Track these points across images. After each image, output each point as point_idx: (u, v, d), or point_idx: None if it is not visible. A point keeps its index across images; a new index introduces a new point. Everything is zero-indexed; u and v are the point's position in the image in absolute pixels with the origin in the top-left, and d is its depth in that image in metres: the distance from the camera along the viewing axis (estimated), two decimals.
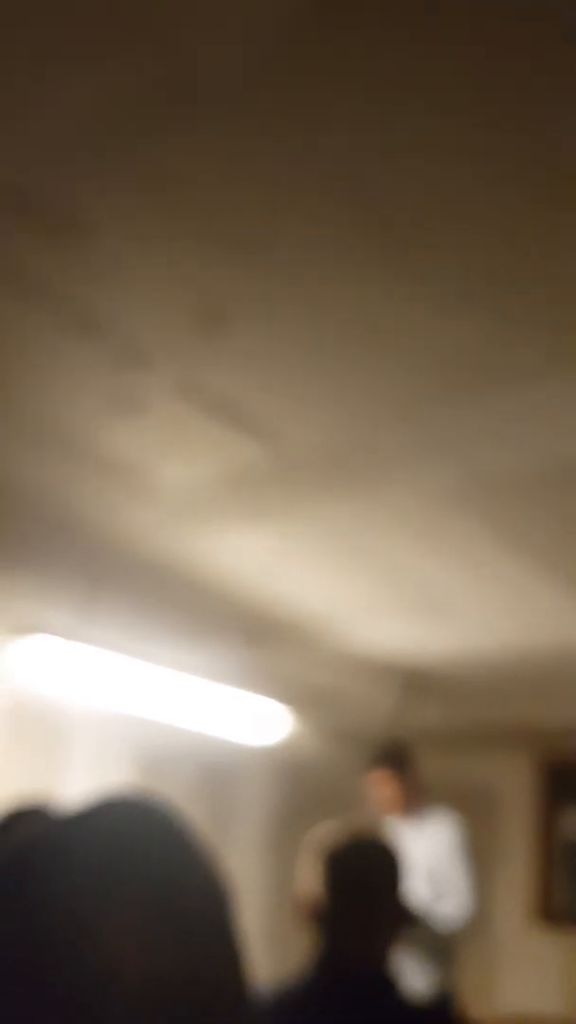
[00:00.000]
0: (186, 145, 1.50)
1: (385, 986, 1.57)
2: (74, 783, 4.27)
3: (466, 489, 2.61)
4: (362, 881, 1.60)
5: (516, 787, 5.63)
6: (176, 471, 2.60)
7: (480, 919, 4.05)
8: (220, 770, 5.06)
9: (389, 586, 3.45)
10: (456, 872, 3.86)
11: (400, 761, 3.98)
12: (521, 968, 5.31)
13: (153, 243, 1.70)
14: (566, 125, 1.42)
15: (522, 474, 2.49)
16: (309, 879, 1.62)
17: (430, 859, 3.82)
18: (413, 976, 3.46)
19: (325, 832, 1.67)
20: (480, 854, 5.41)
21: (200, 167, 1.54)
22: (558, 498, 2.62)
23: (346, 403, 2.25)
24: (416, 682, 4.61)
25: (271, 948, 3.56)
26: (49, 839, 0.73)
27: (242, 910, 0.77)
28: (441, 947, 3.71)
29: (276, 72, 1.37)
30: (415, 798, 4.01)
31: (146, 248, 1.71)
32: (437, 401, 2.21)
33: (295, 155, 1.50)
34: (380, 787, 3.98)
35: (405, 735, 4.57)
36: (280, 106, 1.42)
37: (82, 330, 1.93)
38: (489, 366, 2.05)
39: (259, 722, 4.53)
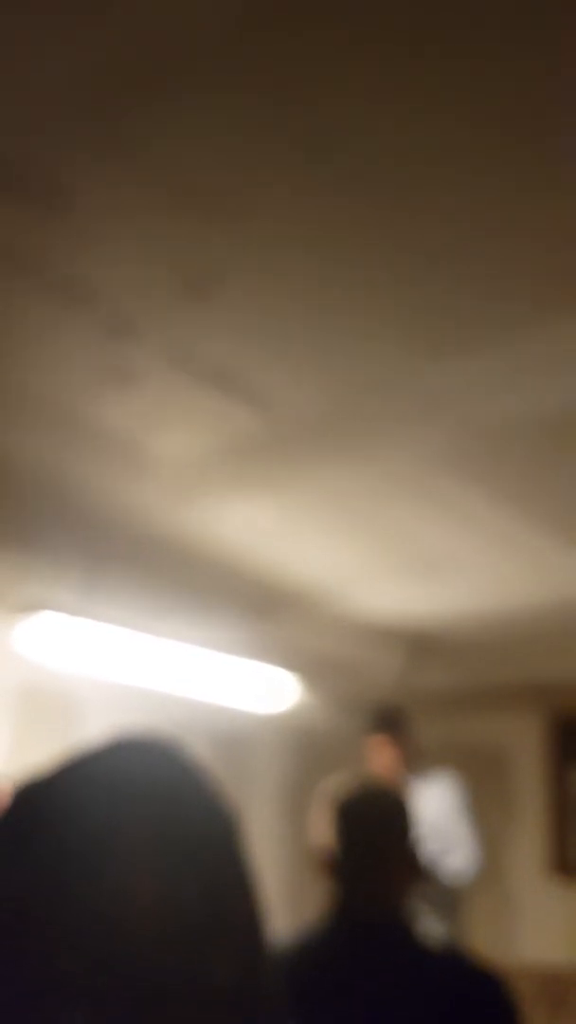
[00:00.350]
0: (166, 112, 1.50)
1: (399, 931, 1.60)
2: None
3: (458, 446, 2.63)
4: (372, 829, 1.63)
5: (527, 744, 5.68)
6: (172, 443, 2.61)
7: (487, 873, 4.13)
8: (232, 739, 5.10)
9: (389, 550, 3.47)
10: (461, 828, 3.93)
11: (396, 725, 4.06)
12: (538, 920, 5.39)
13: (135, 211, 1.71)
14: (549, 70, 1.42)
15: (512, 428, 2.50)
16: (322, 829, 1.65)
17: (435, 817, 3.89)
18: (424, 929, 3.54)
19: (336, 783, 1.70)
20: (494, 812, 5.48)
21: (180, 133, 1.54)
22: (549, 450, 2.64)
23: (336, 366, 2.26)
24: (421, 645, 4.64)
25: (290, 910, 3.61)
26: (64, 775, 0.76)
27: (260, 874, 0.79)
28: (449, 901, 3.78)
29: (254, 36, 1.37)
30: (413, 760, 4.08)
31: (129, 216, 1.72)
32: (426, 359, 2.21)
33: (275, 118, 1.51)
34: (379, 751, 4.05)
35: (413, 699, 4.61)
36: (259, 69, 1.42)
37: (68, 302, 1.94)
38: (475, 320, 2.06)
39: (268, 691, 4.57)
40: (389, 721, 4.08)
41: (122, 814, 0.73)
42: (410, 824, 1.67)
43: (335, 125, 1.52)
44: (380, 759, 4.06)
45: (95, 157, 1.59)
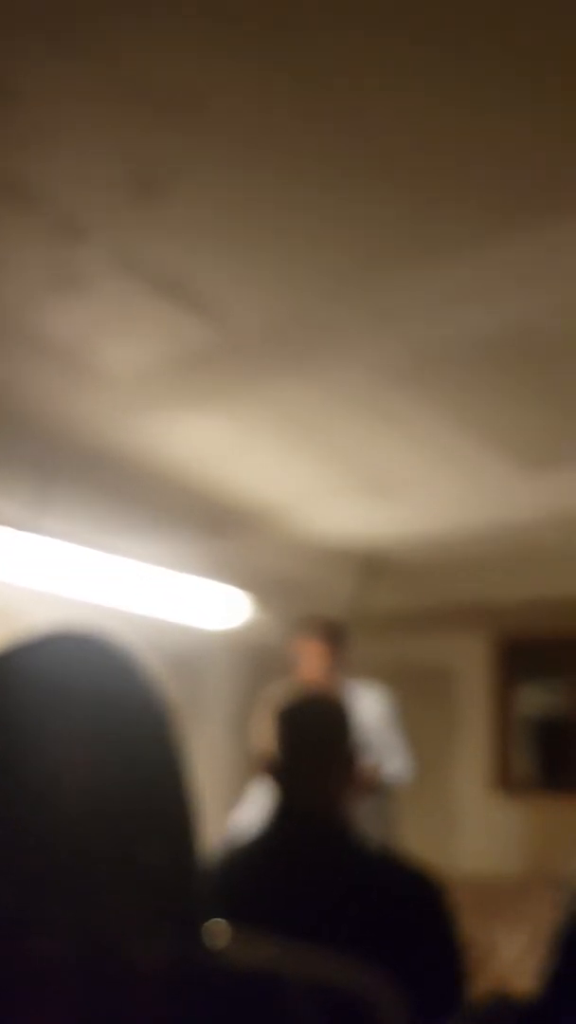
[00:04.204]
0: (113, 5, 1.44)
1: (336, 832, 1.64)
2: None
3: (411, 364, 2.62)
4: (312, 734, 1.66)
5: (473, 664, 5.81)
6: (121, 353, 2.57)
7: (431, 787, 4.21)
8: (184, 655, 5.14)
9: (341, 469, 3.47)
10: (394, 736, 3.99)
11: (335, 636, 4.01)
12: (479, 833, 5.57)
13: (82, 107, 1.65)
14: None
15: (465, 346, 2.49)
16: (264, 735, 1.68)
17: (366, 726, 3.93)
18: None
19: (278, 690, 1.73)
20: (440, 729, 5.61)
21: (127, 28, 1.49)
22: (501, 371, 2.64)
23: (288, 276, 2.22)
24: (373, 566, 4.69)
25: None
26: None
27: (212, 785, 0.79)
28: (384, 809, 3.88)
29: None
30: (342, 674, 4.06)
31: (76, 110, 1.66)
32: (379, 272, 2.19)
33: (224, 15, 1.46)
34: (312, 658, 4.00)
35: (363, 618, 4.66)
36: None
37: (11, 201, 1.87)
38: (430, 234, 2.03)
39: (219, 608, 4.60)
40: (327, 630, 4.03)
41: (53, 705, 0.73)
42: (349, 730, 1.69)
43: (293, 21, 1.47)
44: (309, 665, 4.01)
45: (38, 51, 1.52)
